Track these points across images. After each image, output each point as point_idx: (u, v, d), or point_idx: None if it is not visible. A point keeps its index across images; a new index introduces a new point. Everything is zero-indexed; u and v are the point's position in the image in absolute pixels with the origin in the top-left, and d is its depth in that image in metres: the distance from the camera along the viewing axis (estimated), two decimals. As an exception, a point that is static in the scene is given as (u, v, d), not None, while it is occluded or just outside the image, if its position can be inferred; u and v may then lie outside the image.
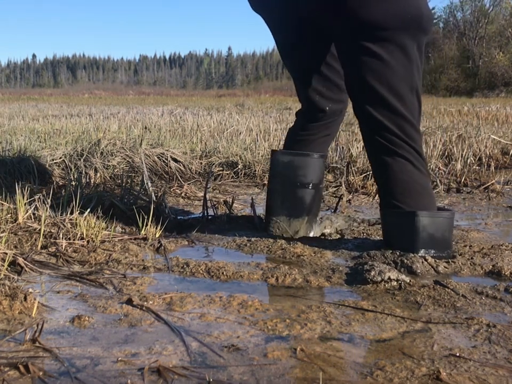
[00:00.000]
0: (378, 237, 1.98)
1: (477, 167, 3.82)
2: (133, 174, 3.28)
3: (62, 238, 1.80)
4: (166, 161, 3.54)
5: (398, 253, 1.65)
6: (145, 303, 1.31)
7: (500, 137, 4.90)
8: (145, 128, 5.65)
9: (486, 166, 3.82)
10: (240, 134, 5.02)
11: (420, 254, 1.66)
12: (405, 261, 1.61)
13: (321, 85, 1.89)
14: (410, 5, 1.63)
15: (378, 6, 1.61)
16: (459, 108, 11.38)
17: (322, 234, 1.98)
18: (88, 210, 2.00)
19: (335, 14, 1.67)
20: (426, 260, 1.62)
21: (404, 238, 1.69)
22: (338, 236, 1.98)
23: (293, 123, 2.03)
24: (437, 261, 1.63)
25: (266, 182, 3.27)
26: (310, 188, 1.94)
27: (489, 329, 1.18)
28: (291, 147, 1.98)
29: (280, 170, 1.95)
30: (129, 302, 1.31)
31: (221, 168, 3.57)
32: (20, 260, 1.58)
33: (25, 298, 1.26)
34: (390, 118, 1.68)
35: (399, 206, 1.70)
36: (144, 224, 1.96)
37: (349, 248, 1.82)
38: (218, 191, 3.04)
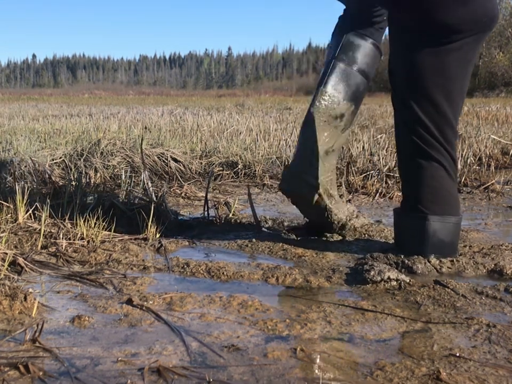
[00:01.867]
0: (379, 238, 1.98)
1: (477, 167, 3.82)
2: (133, 174, 3.28)
3: (62, 238, 1.80)
4: (166, 161, 3.54)
5: (401, 256, 1.65)
6: (145, 303, 1.31)
7: (500, 137, 4.90)
8: (145, 128, 5.65)
9: (486, 166, 3.82)
10: (240, 134, 5.02)
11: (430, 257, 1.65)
12: (406, 261, 1.61)
13: None
14: (487, 9, 1.58)
15: (457, 10, 1.55)
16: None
17: (324, 236, 1.97)
18: (88, 210, 2.00)
19: (411, 12, 1.61)
20: (429, 262, 1.62)
21: (415, 241, 1.67)
22: (340, 238, 1.97)
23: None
24: (441, 261, 1.63)
25: (266, 182, 3.28)
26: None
27: (489, 329, 1.18)
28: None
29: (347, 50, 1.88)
30: (129, 302, 1.31)
31: (221, 168, 3.57)
32: (20, 260, 1.58)
33: (25, 298, 1.26)
34: (432, 118, 1.63)
35: (424, 212, 1.65)
36: (145, 224, 1.96)
37: (352, 251, 1.82)
38: (218, 191, 3.04)
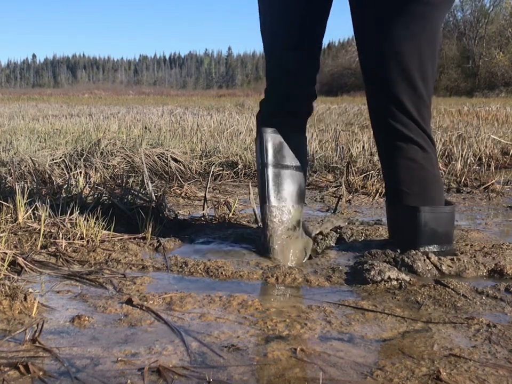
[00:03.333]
0: (376, 237, 1.97)
1: (477, 167, 3.82)
2: (133, 174, 3.28)
3: (62, 238, 1.80)
4: (166, 161, 3.54)
5: (399, 251, 1.65)
6: (145, 303, 1.31)
7: (500, 137, 4.90)
8: (145, 128, 5.65)
9: (486, 166, 3.82)
10: (240, 134, 5.02)
11: (422, 250, 1.65)
12: (406, 259, 1.61)
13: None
14: None
15: None
16: (459, 107, 11.38)
17: (320, 233, 1.97)
18: (88, 210, 2.00)
19: None
20: (429, 259, 1.62)
21: (407, 233, 1.68)
22: (337, 236, 1.97)
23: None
24: (441, 259, 1.63)
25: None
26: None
27: (490, 329, 1.18)
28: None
29: (271, 151, 1.76)
30: (129, 301, 1.31)
31: (221, 168, 3.57)
32: (20, 260, 1.58)
33: (25, 298, 1.26)
34: (410, 98, 1.63)
35: (408, 194, 1.66)
36: (144, 224, 1.96)
37: (350, 248, 1.82)
38: (218, 191, 3.04)
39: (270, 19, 1.75)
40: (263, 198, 1.72)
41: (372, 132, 1.80)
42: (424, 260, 1.61)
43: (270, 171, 1.72)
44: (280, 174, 1.73)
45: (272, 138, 1.74)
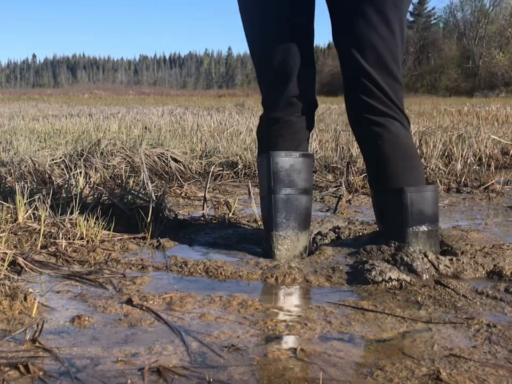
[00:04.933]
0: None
1: (477, 167, 3.82)
2: (133, 174, 3.28)
3: (62, 238, 1.80)
4: (166, 161, 3.54)
5: (393, 246, 1.65)
6: (145, 303, 1.31)
7: (500, 137, 4.90)
8: (145, 128, 5.65)
9: (486, 166, 3.82)
10: (240, 134, 5.01)
11: (411, 230, 1.66)
12: (405, 258, 1.60)
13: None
14: None
15: None
16: (459, 107, 11.38)
17: (319, 233, 1.97)
18: (88, 210, 2.00)
19: None
20: (427, 257, 1.62)
21: (395, 215, 1.69)
22: (336, 235, 1.97)
23: (267, 121, 1.79)
24: (439, 258, 1.63)
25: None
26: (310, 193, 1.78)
27: (490, 329, 1.18)
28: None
29: (277, 175, 1.70)
30: (129, 301, 1.31)
31: (221, 168, 3.57)
32: (20, 260, 1.58)
33: (25, 298, 1.26)
34: (386, 80, 1.65)
35: (393, 174, 1.67)
36: (144, 223, 1.96)
37: (345, 245, 1.81)
38: (218, 191, 3.04)
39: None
40: (270, 225, 1.69)
41: (348, 121, 1.78)
42: (422, 258, 1.61)
43: (278, 198, 1.68)
44: (288, 200, 1.69)
45: (280, 163, 1.69)
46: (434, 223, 1.70)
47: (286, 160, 1.70)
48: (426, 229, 1.68)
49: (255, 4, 1.72)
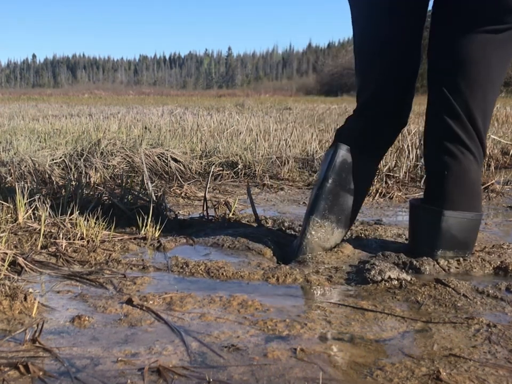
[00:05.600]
0: (375, 237, 1.97)
1: (477, 167, 3.82)
2: (133, 174, 3.28)
3: (62, 238, 1.80)
4: (166, 161, 3.54)
5: (411, 257, 1.65)
6: (145, 303, 1.31)
7: (500, 137, 4.90)
8: (145, 128, 5.65)
9: (486, 166, 3.82)
10: (240, 134, 5.01)
11: (439, 254, 1.64)
12: (415, 262, 1.60)
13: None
14: None
15: None
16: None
17: None
18: (88, 210, 2.00)
19: None
20: (438, 263, 1.62)
21: (429, 236, 1.66)
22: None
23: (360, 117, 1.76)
24: (450, 262, 1.63)
25: (266, 182, 3.28)
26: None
27: (490, 329, 1.18)
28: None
29: (338, 167, 1.69)
30: (129, 302, 1.31)
31: (221, 168, 3.57)
32: (20, 260, 1.58)
33: (25, 298, 1.26)
34: (480, 107, 1.59)
35: (458, 205, 1.62)
36: (144, 224, 1.96)
37: (365, 247, 1.81)
38: (218, 191, 3.04)
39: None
40: (311, 209, 1.67)
41: (423, 138, 1.72)
42: (434, 264, 1.61)
43: (329, 187, 1.67)
44: (338, 193, 1.68)
45: (344, 156, 1.69)
46: (464, 251, 1.68)
47: (351, 157, 1.69)
48: (453, 255, 1.66)
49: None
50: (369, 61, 1.72)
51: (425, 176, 1.79)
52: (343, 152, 1.69)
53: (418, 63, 1.69)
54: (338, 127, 1.82)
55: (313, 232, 1.67)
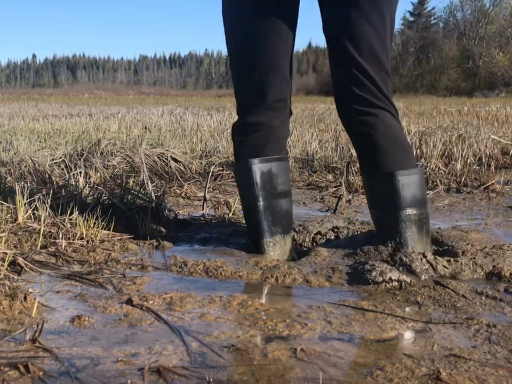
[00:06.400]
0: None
1: (477, 167, 3.82)
2: (133, 174, 3.28)
3: (62, 238, 1.80)
4: (166, 161, 3.54)
5: (390, 246, 1.66)
6: (145, 303, 1.31)
7: (500, 137, 4.90)
8: (145, 128, 5.65)
9: (486, 166, 3.82)
10: (240, 134, 5.00)
11: (403, 213, 1.66)
12: (404, 259, 1.60)
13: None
14: None
15: None
16: (459, 107, 11.38)
17: (318, 232, 1.97)
18: (88, 210, 2.00)
19: None
20: (425, 257, 1.62)
21: (387, 199, 1.69)
22: (335, 235, 1.97)
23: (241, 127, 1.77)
24: (437, 259, 1.63)
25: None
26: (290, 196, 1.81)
27: (489, 329, 1.18)
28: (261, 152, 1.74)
29: (260, 182, 1.71)
30: (129, 301, 1.31)
31: (221, 168, 3.57)
32: (20, 260, 1.58)
33: (25, 298, 1.26)
34: (378, 72, 1.65)
35: (386, 161, 1.67)
36: (144, 223, 1.96)
37: (341, 246, 1.81)
38: (218, 191, 3.04)
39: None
40: (258, 233, 1.71)
41: (337, 113, 1.78)
42: (421, 259, 1.61)
43: (262, 205, 1.70)
44: (271, 205, 1.72)
45: (259, 169, 1.71)
46: (424, 205, 1.71)
47: (266, 166, 1.72)
48: (417, 212, 1.68)
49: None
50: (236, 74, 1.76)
51: (354, 148, 1.82)
52: (257, 166, 1.71)
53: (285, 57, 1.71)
54: (232, 137, 1.80)
55: (271, 254, 1.71)
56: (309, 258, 1.70)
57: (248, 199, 1.73)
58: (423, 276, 1.55)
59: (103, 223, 1.90)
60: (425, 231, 1.71)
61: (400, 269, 1.58)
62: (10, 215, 1.98)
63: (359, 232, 1.99)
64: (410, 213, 1.67)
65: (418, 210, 1.69)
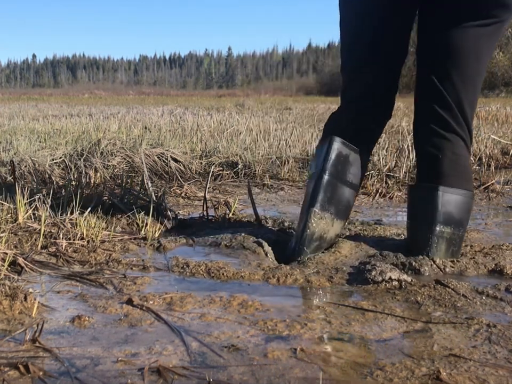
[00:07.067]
0: (374, 237, 1.97)
1: (477, 167, 3.82)
2: (133, 174, 3.28)
3: (62, 238, 1.80)
4: (166, 161, 3.54)
5: (404, 254, 1.66)
6: (145, 303, 1.31)
7: (500, 137, 4.90)
8: (145, 128, 5.65)
9: (486, 166, 3.82)
10: (240, 134, 5.01)
11: (437, 229, 1.66)
12: (413, 263, 1.61)
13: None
14: None
15: None
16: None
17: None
18: (88, 210, 2.00)
19: None
20: (434, 262, 1.62)
21: (426, 212, 1.68)
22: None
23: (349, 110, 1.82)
24: (444, 262, 1.63)
25: (266, 182, 3.28)
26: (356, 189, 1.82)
27: (490, 329, 1.18)
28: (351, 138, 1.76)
29: (334, 159, 1.71)
30: (129, 302, 1.31)
31: (221, 168, 3.57)
32: (20, 260, 1.58)
33: (25, 298, 1.26)
34: (468, 95, 1.66)
35: (452, 183, 1.68)
36: (144, 224, 1.96)
37: (363, 248, 1.81)
38: (218, 191, 3.04)
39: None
40: (311, 202, 1.69)
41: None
42: (431, 264, 1.61)
43: (327, 179, 1.69)
44: (335, 185, 1.71)
45: (339, 149, 1.71)
46: (459, 227, 1.70)
47: (346, 149, 1.73)
48: (450, 231, 1.67)
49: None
50: (360, 57, 1.77)
51: (416, 159, 1.83)
52: (338, 145, 1.71)
53: (405, 58, 1.77)
54: (325, 123, 1.86)
55: (314, 224, 1.67)
56: (321, 257, 1.70)
57: (318, 168, 1.72)
58: (430, 275, 1.56)
59: (104, 223, 1.91)
60: (451, 252, 1.69)
61: (409, 273, 1.58)
62: (10, 215, 1.98)
63: (363, 233, 1.99)
64: (443, 229, 1.67)
65: (452, 230, 1.68)
